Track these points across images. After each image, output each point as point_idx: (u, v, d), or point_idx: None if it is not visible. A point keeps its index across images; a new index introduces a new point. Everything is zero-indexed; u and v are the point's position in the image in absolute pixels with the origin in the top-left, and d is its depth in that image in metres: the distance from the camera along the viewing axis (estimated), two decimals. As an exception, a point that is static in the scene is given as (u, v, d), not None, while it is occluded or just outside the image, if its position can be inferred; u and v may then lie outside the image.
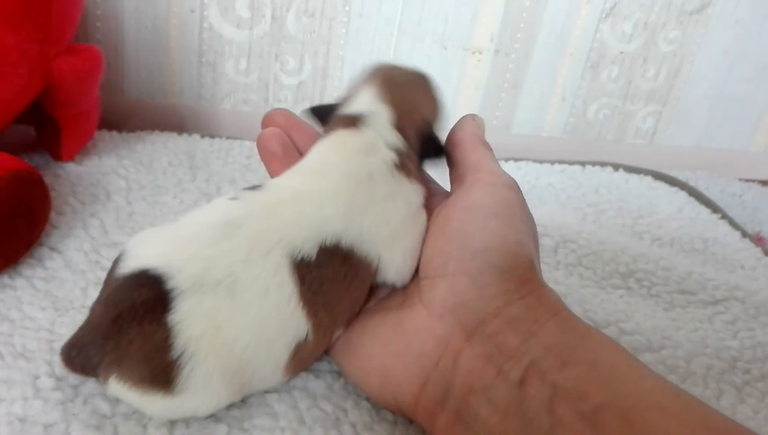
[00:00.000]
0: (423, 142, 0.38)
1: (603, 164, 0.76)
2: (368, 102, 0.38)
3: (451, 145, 0.39)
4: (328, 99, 0.72)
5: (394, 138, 0.36)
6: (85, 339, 0.31)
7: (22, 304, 0.41)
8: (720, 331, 0.49)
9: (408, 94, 0.38)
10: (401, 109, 0.37)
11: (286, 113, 0.41)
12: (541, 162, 0.75)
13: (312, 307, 0.32)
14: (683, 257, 0.60)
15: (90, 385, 0.36)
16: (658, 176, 0.75)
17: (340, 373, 0.38)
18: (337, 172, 0.35)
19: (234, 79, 0.69)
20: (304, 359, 0.34)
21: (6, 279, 0.43)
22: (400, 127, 0.37)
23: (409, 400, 0.33)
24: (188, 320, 0.30)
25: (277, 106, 0.70)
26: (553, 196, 0.68)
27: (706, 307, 0.52)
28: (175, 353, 0.30)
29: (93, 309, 0.32)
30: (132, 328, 0.30)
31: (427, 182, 0.40)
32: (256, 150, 0.67)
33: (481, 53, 0.73)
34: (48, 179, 0.54)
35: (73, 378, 0.35)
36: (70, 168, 0.57)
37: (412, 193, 0.36)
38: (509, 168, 0.73)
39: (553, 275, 0.53)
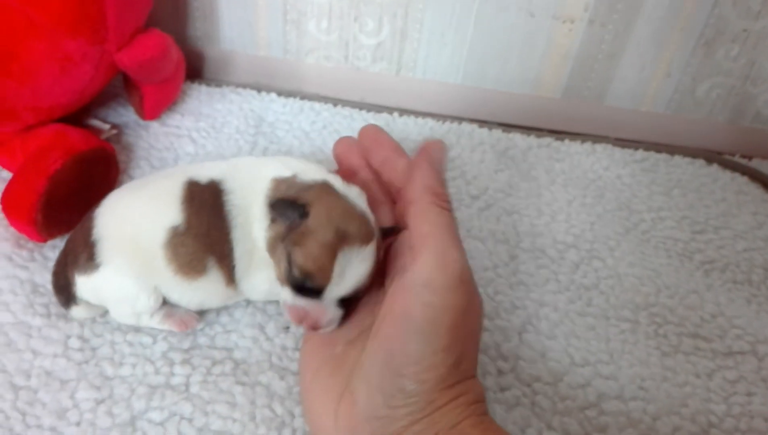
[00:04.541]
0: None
1: (695, 155, 0.70)
2: None
3: (404, 204, 0.40)
4: (406, 60, 0.72)
5: None
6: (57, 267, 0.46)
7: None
8: (713, 390, 0.47)
9: None
10: None
11: (376, 130, 0.46)
12: (622, 147, 0.70)
13: (188, 215, 0.42)
14: (726, 291, 0.55)
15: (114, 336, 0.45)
16: (756, 176, 0.67)
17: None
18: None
19: (316, 36, 0.72)
20: (180, 251, 0.43)
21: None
22: None
23: None
24: (102, 212, 0.44)
25: (356, 63, 0.73)
26: (616, 193, 0.64)
27: (714, 358, 0.49)
28: (92, 237, 0.43)
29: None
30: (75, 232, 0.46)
31: None
32: (323, 114, 0.71)
33: (572, 22, 0.68)
34: (130, 139, 0.63)
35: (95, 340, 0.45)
36: (154, 127, 0.65)
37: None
38: (583, 150, 0.69)
39: (555, 298, 0.52)
